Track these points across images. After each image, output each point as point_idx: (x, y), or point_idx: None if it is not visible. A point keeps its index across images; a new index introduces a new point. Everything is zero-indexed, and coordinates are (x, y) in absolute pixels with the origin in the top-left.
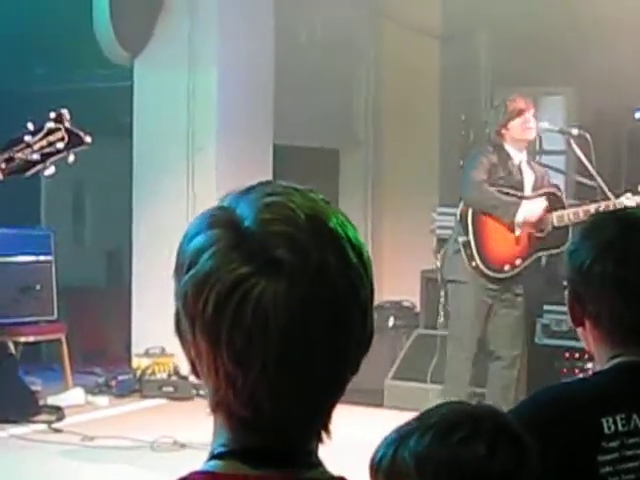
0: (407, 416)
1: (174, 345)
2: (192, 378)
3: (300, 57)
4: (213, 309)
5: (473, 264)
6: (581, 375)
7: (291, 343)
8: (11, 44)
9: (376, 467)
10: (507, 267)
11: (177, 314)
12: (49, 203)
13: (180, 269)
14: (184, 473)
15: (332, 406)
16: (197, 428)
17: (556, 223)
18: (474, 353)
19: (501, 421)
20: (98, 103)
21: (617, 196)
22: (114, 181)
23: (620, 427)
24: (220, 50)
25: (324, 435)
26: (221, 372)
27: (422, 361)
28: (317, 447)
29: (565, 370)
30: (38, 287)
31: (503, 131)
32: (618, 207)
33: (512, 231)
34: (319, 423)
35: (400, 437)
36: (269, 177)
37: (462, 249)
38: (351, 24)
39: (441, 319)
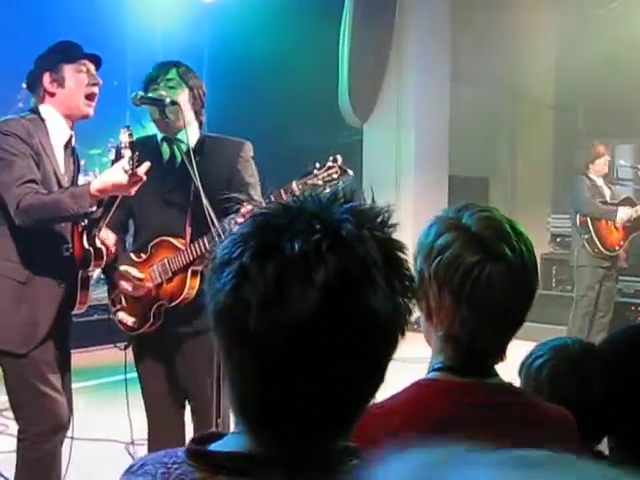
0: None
1: None
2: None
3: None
4: (459, 280)
5: (596, 250)
6: None
7: (504, 299)
8: (292, 118)
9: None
10: (617, 247)
11: (422, 281)
12: None
13: (429, 256)
14: (405, 379)
15: (511, 337)
16: (408, 349)
17: (634, 215)
18: (591, 310)
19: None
20: (342, 150)
21: None
22: None
23: None
24: (415, 117)
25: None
26: (458, 316)
27: (540, 310)
28: (496, 364)
29: (632, 317)
30: None
31: (590, 166)
32: None
33: (615, 226)
34: (503, 349)
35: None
36: (446, 198)
37: (586, 243)
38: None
39: (553, 284)
